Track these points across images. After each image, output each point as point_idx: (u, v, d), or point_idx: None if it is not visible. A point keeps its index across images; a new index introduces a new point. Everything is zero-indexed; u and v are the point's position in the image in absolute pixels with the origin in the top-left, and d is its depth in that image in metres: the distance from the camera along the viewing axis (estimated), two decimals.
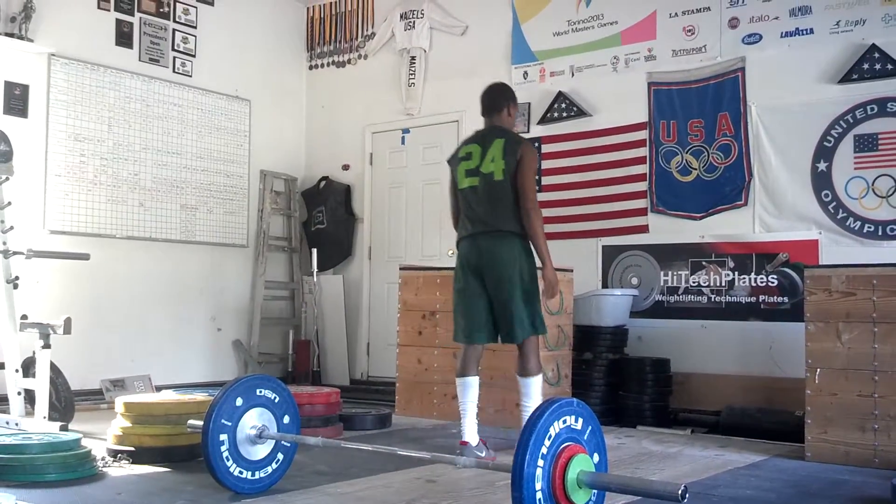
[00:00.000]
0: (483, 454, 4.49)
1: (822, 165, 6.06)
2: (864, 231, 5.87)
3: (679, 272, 6.58)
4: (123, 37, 7.39)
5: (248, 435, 3.67)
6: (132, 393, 6.51)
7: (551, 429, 2.63)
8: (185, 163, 7.79)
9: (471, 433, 4.51)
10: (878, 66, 5.85)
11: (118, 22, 7.36)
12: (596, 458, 2.79)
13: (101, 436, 4.67)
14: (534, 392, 4.51)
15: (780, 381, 5.95)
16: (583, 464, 2.68)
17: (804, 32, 6.18)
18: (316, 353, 8.28)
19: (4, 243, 5.35)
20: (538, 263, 4.55)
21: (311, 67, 9.01)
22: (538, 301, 4.54)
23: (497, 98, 4.79)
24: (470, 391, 4.57)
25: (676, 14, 6.73)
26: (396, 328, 6.67)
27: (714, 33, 6.55)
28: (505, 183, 4.49)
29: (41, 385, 5.03)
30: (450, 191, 4.85)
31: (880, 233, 5.82)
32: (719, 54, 6.52)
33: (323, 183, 8.73)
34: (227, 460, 3.59)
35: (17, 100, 6.65)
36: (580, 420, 2.75)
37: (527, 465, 2.55)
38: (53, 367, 5.21)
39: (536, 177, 7.29)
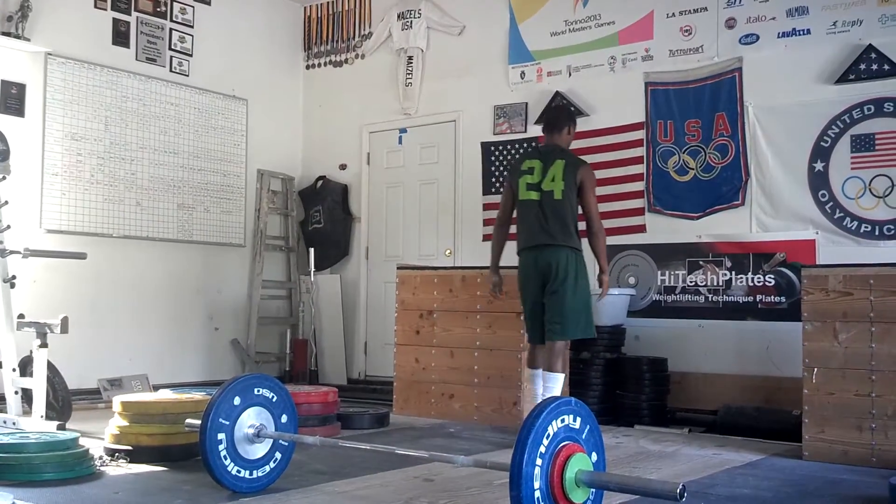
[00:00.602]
0: None
1: (818, 165, 6.07)
2: (861, 231, 5.89)
3: (676, 272, 6.59)
4: (120, 36, 7.39)
5: (246, 434, 3.66)
6: (129, 392, 6.50)
7: (549, 428, 2.63)
8: (182, 162, 7.78)
9: None
10: (874, 67, 5.86)
11: (115, 21, 7.35)
12: (594, 456, 2.80)
13: (98, 435, 4.67)
14: (556, 387, 5.01)
15: (777, 380, 5.96)
16: (581, 463, 2.69)
17: (801, 33, 6.19)
18: (313, 352, 8.27)
19: (1, 242, 5.34)
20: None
21: (308, 67, 9.01)
22: (590, 309, 5.13)
23: (560, 118, 5.36)
24: (538, 379, 5.14)
25: (673, 14, 6.73)
26: (394, 327, 6.67)
27: (711, 33, 6.56)
28: (563, 202, 5.06)
29: (38, 384, 5.03)
30: (503, 196, 5.42)
31: (877, 233, 5.84)
32: (716, 54, 6.53)
33: (320, 182, 8.72)
34: (225, 459, 3.59)
35: (14, 99, 6.64)
36: (578, 419, 2.75)
37: (525, 464, 2.55)
38: (51, 367, 5.20)
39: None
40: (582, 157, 5.38)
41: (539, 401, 4.72)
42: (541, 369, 5.13)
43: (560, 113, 5.47)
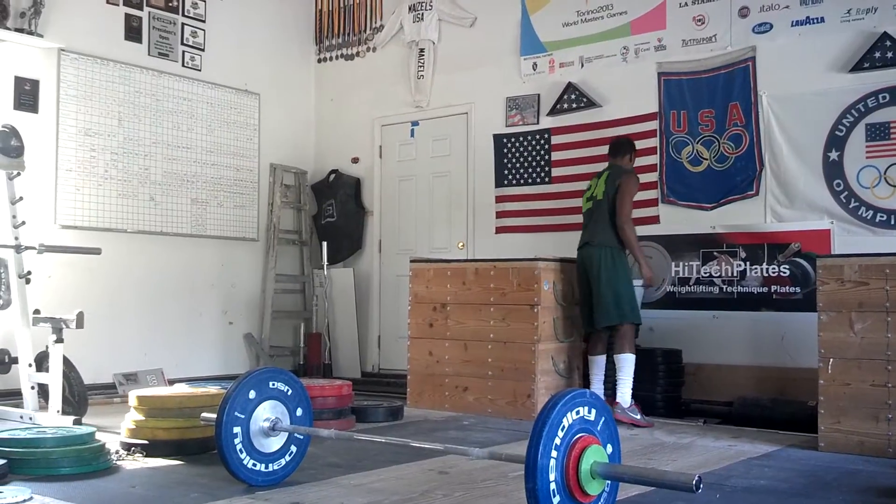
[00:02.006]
0: (638, 417, 5.63)
1: (833, 155, 6.03)
2: (877, 220, 5.85)
3: (690, 263, 6.56)
4: (132, 31, 7.40)
5: (262, 427, 3.67)
6: (145, 387, 6.54)
7: (564, 420, 2.63)
8: (195, 157, 7.80)
9: (596, 387, 5.82)
10: (889, 55, 5.81)
11: (127, 17, 7.37)
12: (609, 448, 2.79)
13: (114, 429, 4.69)
14: (625, 366, 5.71)
15: (792, 371, 5.94)
16: (596, 454, 2.68)
17: (815, 21, 6.15)
18: (327, 345, 8.30)
19: (16, 238, 5.37)
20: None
21: (319, 60, 9.01)
22: (622, 298, 5.71)
23: (622, 147, 6.10)
24: (595, 366, 5.92)
25: (686, 4, 6.70)
26: (407, 321, 6.68)
27: (724, 23, 6.52)
28: (604, 203, 5.83)
29: (54, 379, 5.06)
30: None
31: (893, 222, 5.80)
32: (730, 44, 6.49)
33: (333, 176, 8.73)
34: (241, 453, 3.60)
35: (28, 95, 6.67)
36: (593, 411, 2.74)
37: (540, 457, 2.54)
38: (66, 362, 5.23)
39: (548, 169, 7.30)
40: (628, 169, 6.02)
41: (594, 384, 5.83)
42: (596, 356, 5.90)
43: (623, 144, 6.13)
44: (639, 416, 5.62)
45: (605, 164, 6.14)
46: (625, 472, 2.77)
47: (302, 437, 3.81)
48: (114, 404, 6.29)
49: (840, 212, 5.98)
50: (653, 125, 6.80)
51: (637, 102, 6.86)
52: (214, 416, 3.61)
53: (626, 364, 5.70)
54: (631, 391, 5.70)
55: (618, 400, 5.64)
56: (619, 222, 5.74)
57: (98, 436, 4.20)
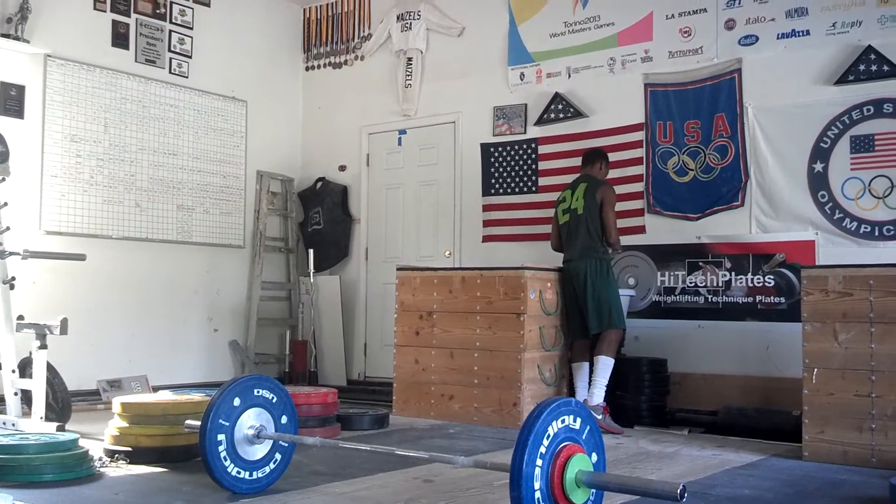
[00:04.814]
0: (600, 417, 5.67)
1: (818, 166, 6.07)
2: (861, 231, 5.89)
3: (676, 273, 6.59)
4: (119, 38, 7.39)
5: (246, 435, 3.66)
6: (129, 393, 6.50)
7: (550, 428, 2.63)
8: (181, 163, 7.78)
9: (581, 395, 5.90)
10: (874, 68, 5.87)
11: (114, 23, 7.35)
12: (594, 457, 2.79)
13: (98, 436, 4.67)
14: (603, 368, 5.84)
15: (777, 380, 5.96)
16: (581, 463, 2.68)
17: (800, 34, 6.19)
18: (313, 353, 8.27)
19: (1, 244, 5.34)
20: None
21: (307, 68, 9.01)
22: (612, 305, 5.91)
23: (594, 158, 6.28)
24: (580, 371, 6.02)
25: (673, 15, 6.74)
26: (393, 328, 6.67)
27: (710, 35, 6.56)
28: (585, 216, 5.98)
29: (38, 385, 5.02)
30: (552, 229, 6.37)
31: (877, 233, 5.84)
32: (716, 55, 6.53)
33: (319, 184, 8.72)
34: (225, 460, 3.59)
35: (14, 101, 6.65)
36: (578, 420, 2.75)
37: (525, 465, 2.55)
38: (50, 368, 5.19)
39: (535, 178, 7.32)
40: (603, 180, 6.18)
41: (578, 391, 5.92)
42: (579, 363, 6.01)
43: (595, 154, 6.31)
44: (601, 417, 5.67)
45: (577, 175, 6.28)
46: (609, 481, 2.78)
47: (287, 444, 3.80)
48: (98, 411, 6.26)
49: (825, 223, 6.02)
50: (639, 136, 6.83)
51: (623, 113, 6.90)
52: (199, 423, 3.59)
53: (605, 366, 5.84)
54: (604, 393, 5.81)
55: (587, 398, 5.78)
56: (609, 240, 5.97)
57: (81, 442, 4.18)
